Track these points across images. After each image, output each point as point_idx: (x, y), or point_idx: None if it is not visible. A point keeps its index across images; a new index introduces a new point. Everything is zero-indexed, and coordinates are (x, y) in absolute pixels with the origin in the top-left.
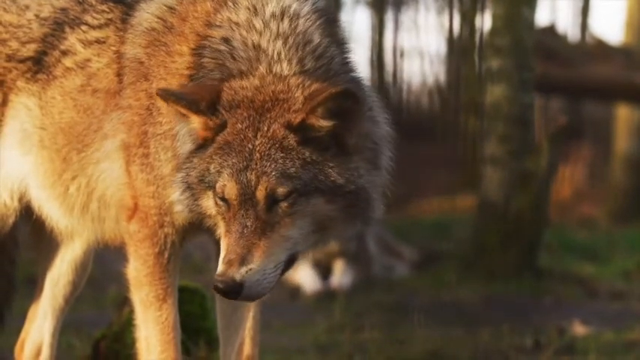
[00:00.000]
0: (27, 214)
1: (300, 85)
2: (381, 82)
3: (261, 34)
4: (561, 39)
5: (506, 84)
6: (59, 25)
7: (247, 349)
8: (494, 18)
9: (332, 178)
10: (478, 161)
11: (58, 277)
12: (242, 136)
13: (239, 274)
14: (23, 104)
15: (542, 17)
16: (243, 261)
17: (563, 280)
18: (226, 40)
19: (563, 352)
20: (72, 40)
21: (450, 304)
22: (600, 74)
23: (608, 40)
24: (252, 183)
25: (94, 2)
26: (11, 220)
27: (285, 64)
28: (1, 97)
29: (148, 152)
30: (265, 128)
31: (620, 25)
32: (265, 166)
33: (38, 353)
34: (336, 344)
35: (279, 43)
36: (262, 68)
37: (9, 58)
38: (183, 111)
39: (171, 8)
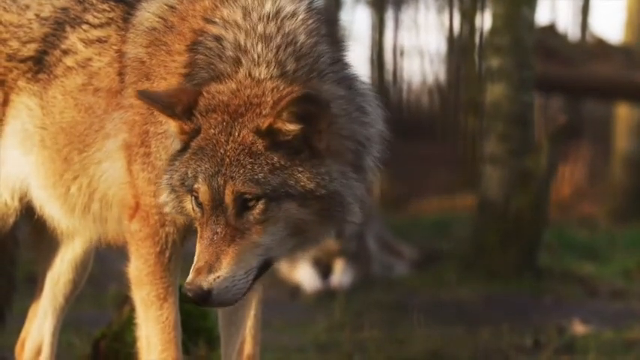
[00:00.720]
0: (27, 213)
1: (274, 89)
2: (381, 81)
3: (247, 35)
4: (561, 38)
5: (506, 83)
6: (60, 25)
7: (248, 347)
8: (495, 17)
9: (302, 183)
10: (478, 160)
11: (59, 276)
12: (215, 141)
13: (206, 282)
14: (24, 104)
15: (542, 16)
16: (211, 269)
17: (563, 280)
18: (218, 39)
19: (563, 351)
20: (73, 39)
21: (449, 303)
22: (600, 73)
23: (608, 39)
24: (221, 188)
25: (94, 1)
26: (12, 220)
27: (263, 68)
28: (2, 97)
29: (150, 151)
30: (236, 133)
31: (620, 24)
32: (233, 172)
33: (38, 352)
34: (336, 343)
35: (261, 45)
36: (242, 71)
37: (9, 57)
38: (158, 114)
39: (172, 7)
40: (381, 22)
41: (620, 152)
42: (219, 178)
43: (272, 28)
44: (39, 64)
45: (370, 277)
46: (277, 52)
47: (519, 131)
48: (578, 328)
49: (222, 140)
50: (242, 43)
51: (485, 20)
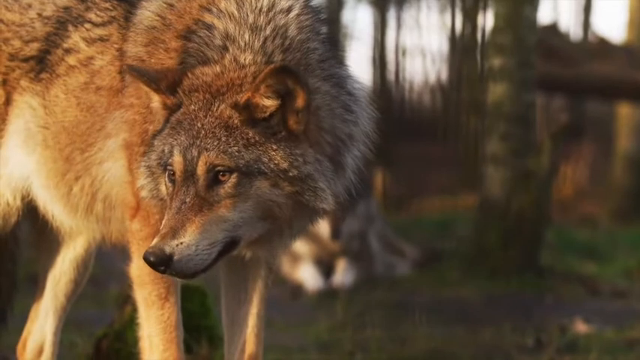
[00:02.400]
0: (29, 212)
1: (257, 72)
2: (383, 80)
3: (237, 25)
4: (563, 37)
5: (508, 83)
6: (62, 24)
7: (251, 346)
8: (497, 16)
9: (275, 162)
10: (480, 160)
11: (60, 275)
12: (193, 115)
13: (169, 246)
14: (27, 104)
15: (544, 16)
16: (175, 235)
17: (565, 279)
18: (209, 27)
19: (565, 350)
20: (75, 38)
21: (451, 302)
22: (602, 73)
23: (610, 39)
24: (195, 159)
25: (97, 0)
26: (13, 220)
27: (248, 54)
28: (4, 96)
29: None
30: (215, 109)
31: (622, 23)
32: (208, 143)
33: (40, 352)
34: (337, 342)
35: (249, 34)
36: (228, 56)
37: (12, 57)
38: (144, 87)
39: (170, 5)
40: (383, 21)
41: (622, 152)
42: (193, 150)
43: (263, 19)
44: (41, 64)
45: (372, 276)
46: (265, 42)
47: (521, 131)
48: (580, 327)
49: (201, 115)
50: (231, 32)
51: (487, 20)
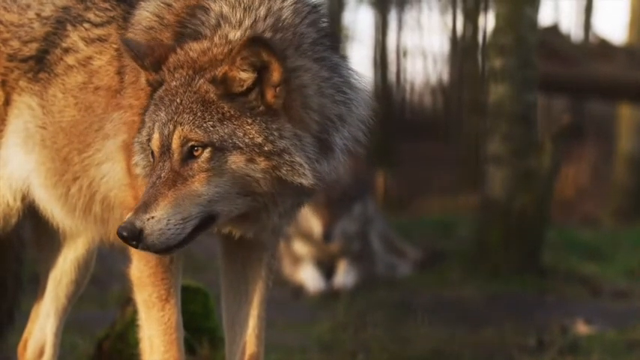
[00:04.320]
0: (30, 212)
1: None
2: (384, 81)
3: (232, 7)
4: (564, 38)
5: (509, 83)
6: (61, 23)
7: (252, 347)
8: (498, 17)
9: (250, 136)
10: (481, 160)
11: (61, 276)
12: (174, 92)
13: (140, 220)
14: (26, 104)
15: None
16: (146, 209)
17: (567, 279)
18: (206, 10)
19: (567, 351)
20: (74, 37)
21: (453, 302)
22: (603, 73)
23: (611, 40)
24: (170, 134)
25: (96, 0)
26: (14, 220)
27: (238, 31)
28: (3, 97)
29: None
30: (194, 84)
31: (623, 24)
32: (183, 118)
33: (41, 353)
34: (339, 343)
35: (242, 13)
36: (219, 33)
37: (10, 57)
38: (130, 61)
39: (168, 5)
40: (384, 22)
41: (623, 152)
42: (170, 125)
43: (259, 1)
44: (40, 64)
45: (374, 276)
46: (256, 20)
47: (522, 131)
48: (582, 327)
49: (181, 91)
50: (226, 12)
51: (488, 20)
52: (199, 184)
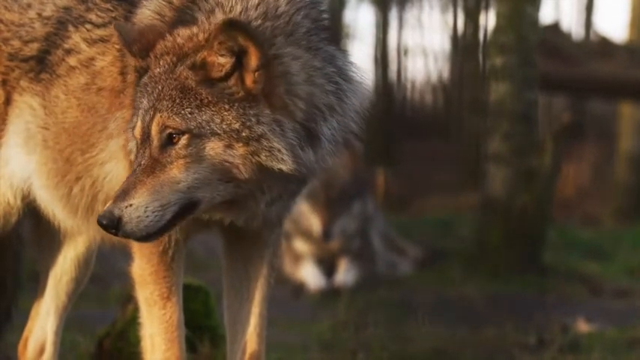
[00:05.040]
0: (30, 211)
1: None
2: (385, 80)
3: None
4: (565, 37)
5: (510, 82)
6: (62, 24)
7: (253, 345)
8: (499, 16)
9: (227, 122)
10: (482, 159)
11: (61, 274)
12: (157, 79)
13: (118, 208)
14: (27, 104)
15: (546, 15)
16: (125, 196)
17: (567, 278)
18: None
19: (567, 349)
20: (76, 38)
21: (453, 301)
22: (604, 72)
23: (612, 38)
24: (150, 122)
25: (97, 1)
26: (14, 219)
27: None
28: (4, 96)
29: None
30: (176, 70)
31: (624, 22)
32: (163, 105)
33: (42, 351)
34: (340, 341)
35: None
36: (211, 19)
37: (11, 57)
38: (121, 47)
39: (169, 2)
40: (385, 21)
41: (624, 151)
42: (150, 112)
43: None
44: (41, 64)
45: (374, 275)
46: (247, 7)
47: (523, 130)
48: (582, 326)
49: (163, 78)
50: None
51: (489, 19)
52: (177, 171)
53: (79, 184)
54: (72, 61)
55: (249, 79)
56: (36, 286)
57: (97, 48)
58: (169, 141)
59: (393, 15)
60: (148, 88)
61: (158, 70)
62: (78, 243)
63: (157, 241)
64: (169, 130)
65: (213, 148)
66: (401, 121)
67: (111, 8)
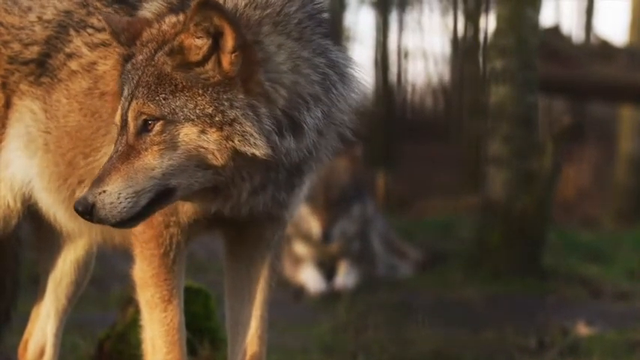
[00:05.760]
0: (30, 214)
1: None
2: (385, 82)
3: None
4: (565, 39)
5: (511, 84)
6: (64, 28)
7: (254, 347)
8: (499, 18)
9: (200, 107)
10: (482, 161)
11: (61, 276)
12: (138, 66)
13: (92, 194)
14: (27, 107)
15: (546, 18)
16: (99, 183)
17: (568, 280)
18: None
19: (567, 352)
20: (77, 42)
21: (454, 303)
22: (604, 75)
23: (612, 41)
24: (127, 108)
25: (98, 5)
26: (14, 222)
27: None
28: (4, 99)
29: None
30: (155, 57)
31: (625, 25)
32: (139, 92)
33: (42, 353)
34: (340, 344)
35: None
36: None
37: (11, 60)
38: (110, 37)
39: (169, 3)
40: (385, 23)
41: (625, 153)
42: (129, 99)
43: None
44: (41, 67)
45: (374, 277)
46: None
47: (523, 132)
48: (582, 329)
49: (143, 65)
50: None
51: (489, 22)
52: (152, 158)
53: (82, 187)
54: (73, 65)
55: (225, 61)
56: (36, 288)
57: (98, 52)
58: (145, 128)
59: (394, 18)
60: (129, 76)
61: (140, 57)
62: (78, 246)
63: (158, 244)
64: (144, 117)
65: (187, 134)
66: (401, 123)
67: (112, 12)
